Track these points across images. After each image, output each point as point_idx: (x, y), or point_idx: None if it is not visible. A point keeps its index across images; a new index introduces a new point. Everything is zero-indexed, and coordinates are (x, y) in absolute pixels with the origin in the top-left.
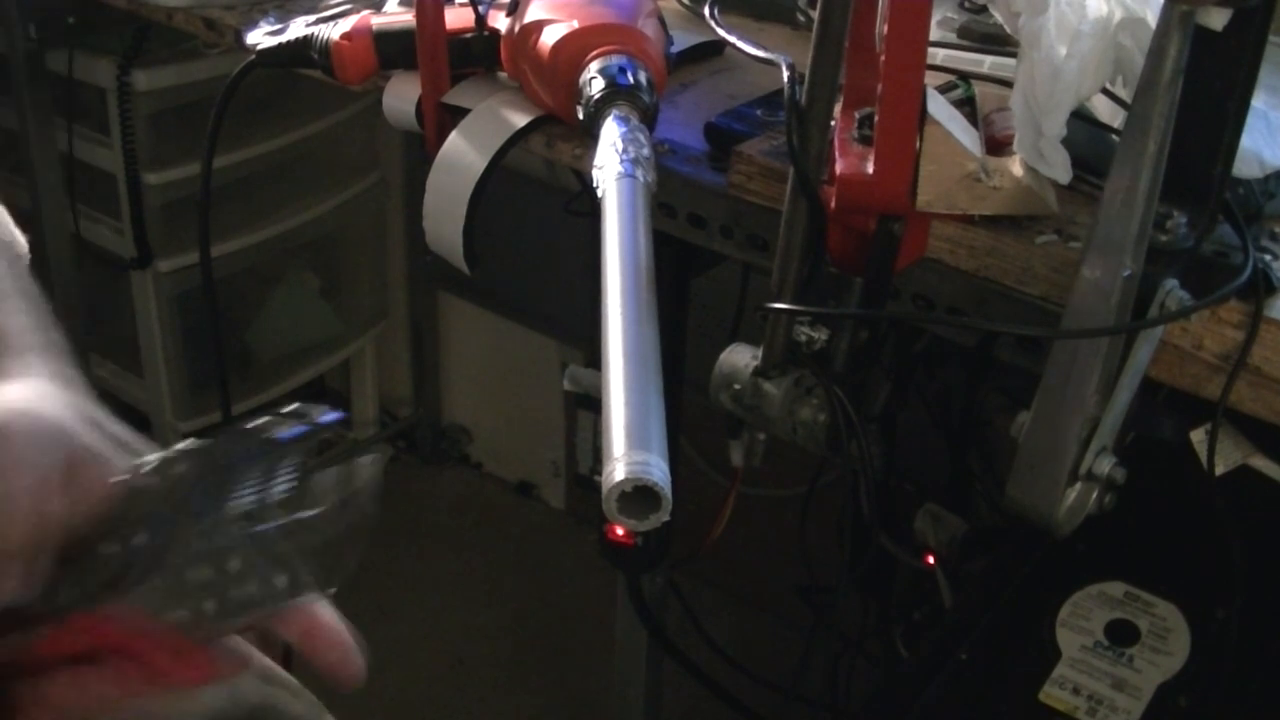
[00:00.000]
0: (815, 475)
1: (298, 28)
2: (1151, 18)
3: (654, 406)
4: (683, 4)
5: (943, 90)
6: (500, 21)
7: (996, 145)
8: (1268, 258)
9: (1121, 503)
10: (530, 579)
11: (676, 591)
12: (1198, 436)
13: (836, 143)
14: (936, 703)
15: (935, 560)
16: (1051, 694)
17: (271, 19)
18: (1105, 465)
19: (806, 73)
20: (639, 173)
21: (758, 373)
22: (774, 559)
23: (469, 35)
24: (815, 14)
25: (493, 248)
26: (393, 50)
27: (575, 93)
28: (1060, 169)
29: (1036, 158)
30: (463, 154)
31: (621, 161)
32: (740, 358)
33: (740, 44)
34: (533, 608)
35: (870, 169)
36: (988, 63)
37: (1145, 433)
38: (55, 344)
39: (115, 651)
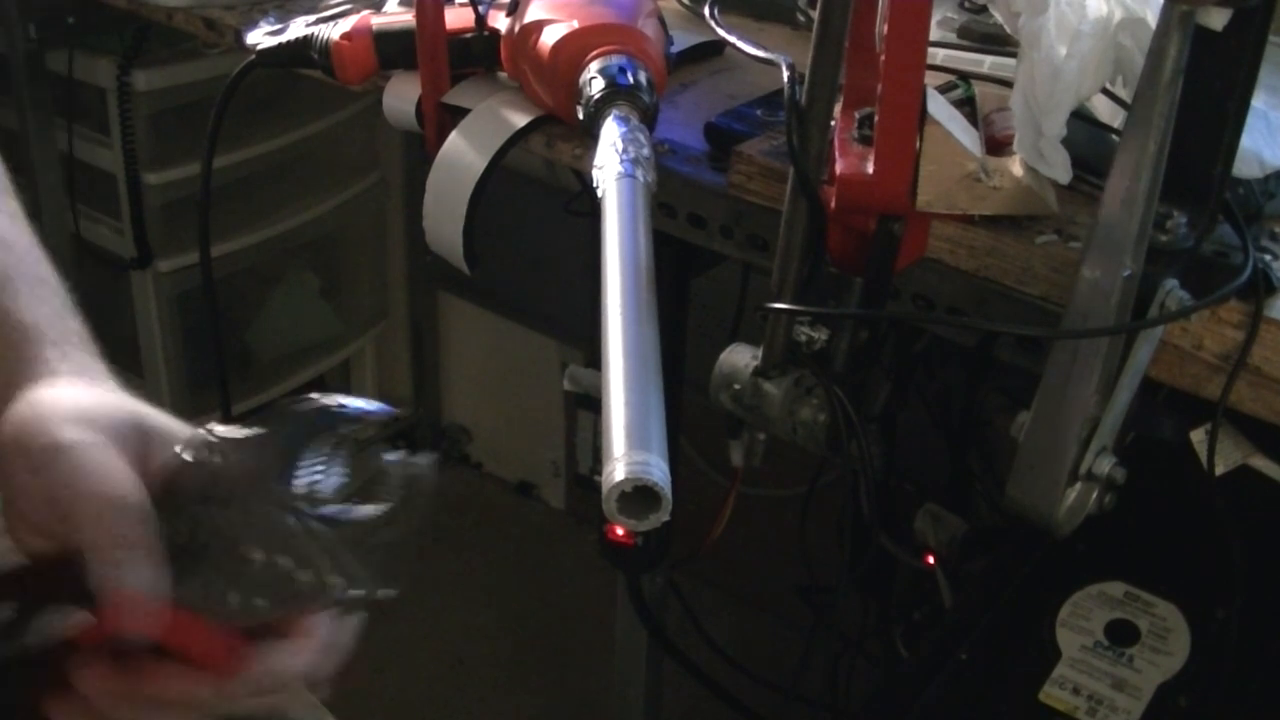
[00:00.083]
0: (815, 475)
1: (298, 28)
2: (1151, 18)
3: (654, 406)
4: (683, 4)
5: (943, 90)
6: (500, 21)
7: (996, 145)
8: (1268, 258)
9: (1121, 503)
10: (530, 579)
11: (676, 591)
12: (1198, 436)
13: (836, 143)
14: (936, 703)
15: (935, 560)
16: (1051, 694)
17: (271, 19)
18: (1105, 465)
19: (806, 73)
20: (639, 173)
21: (758, 373)
22: (774, 559)
23: (469, 35)
24: (815, 14)
25: (493, 248)
26: (393, 50)
27: (575, 93)
28: (1060, 169)
29: (1036, 158)
30: (463, 154)
31: (621, 161)
32: (740, 358)
33: (740, 44)
34: (533, 608)
35: (870, 169)
36: (988, 63)
37: (1145, 433)
38: (82, 333)
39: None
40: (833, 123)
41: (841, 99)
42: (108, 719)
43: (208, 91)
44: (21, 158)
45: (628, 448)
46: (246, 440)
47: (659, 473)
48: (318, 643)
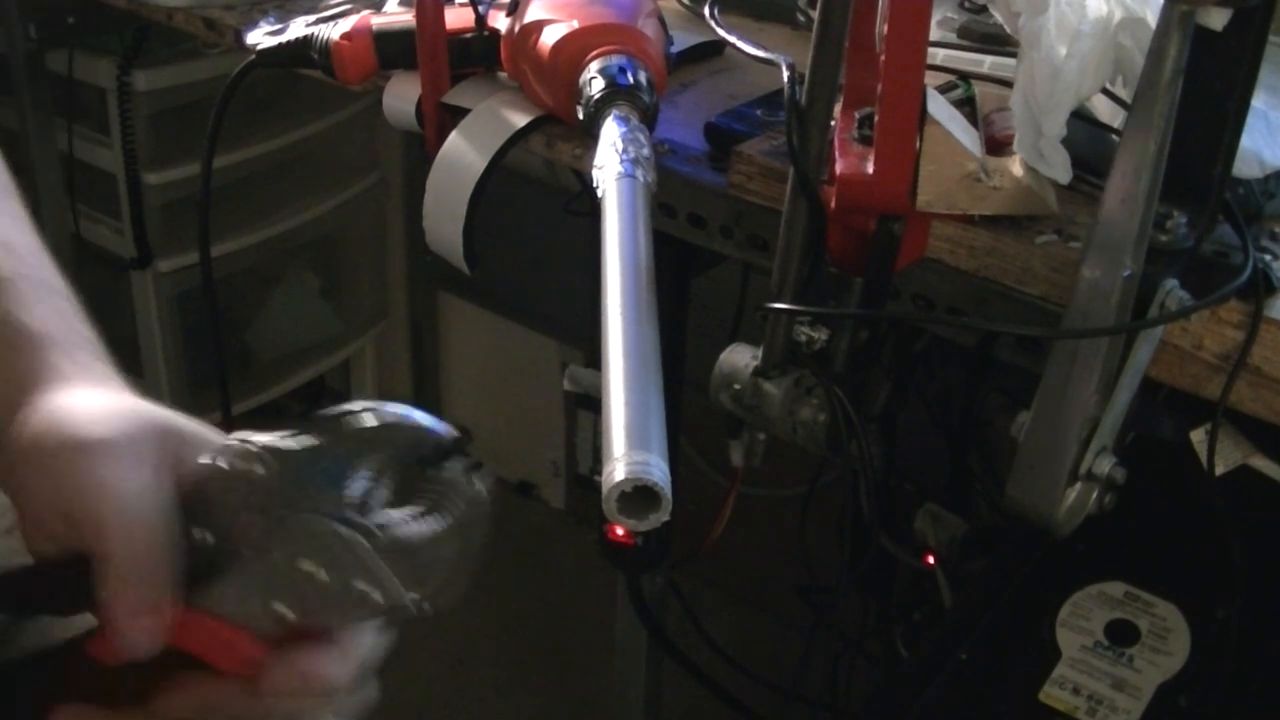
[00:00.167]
0: (815, 475)
1: (298, 28)
2: (1151, 18)
3: (654, 406)
4: (683, 4)
5: (943, 90)
6: (500, 21)
7: (996, 145)
8: (1268, 258)
9: (1121, 503)
10: (530, 579)
11: (676, 591)
12: (1198, 436)
13: (836, 143)
14: (936, 703)
15: (935, 560)
16: (1051, 694)
17: (271, 19)
18: (1105, 465)
19: (806, 73)
20: (639, 173)
21: (758, 373)
22: (774, 559)
23: (469, 35)
24: (815, 14)
25: (493, 248)
26: (393, 50)
27: (575, 93)
28: (1060, 169)
29: (1036, 158)
30: (463, 154)
31: (621, 161)
32: (740, 358)
33: (740, 44)
34: (533, 608)
35: (870, 169)
36: (988, 63)
37: (1145, 433)
38: (93, 339)
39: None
40: (833, 123)
41: (841, 99)
42: None
43: (208, 91)
44: (21, 158)
45: (628, 448)
46: (294, 451)
47: (659, 473)
48: (351, 653)
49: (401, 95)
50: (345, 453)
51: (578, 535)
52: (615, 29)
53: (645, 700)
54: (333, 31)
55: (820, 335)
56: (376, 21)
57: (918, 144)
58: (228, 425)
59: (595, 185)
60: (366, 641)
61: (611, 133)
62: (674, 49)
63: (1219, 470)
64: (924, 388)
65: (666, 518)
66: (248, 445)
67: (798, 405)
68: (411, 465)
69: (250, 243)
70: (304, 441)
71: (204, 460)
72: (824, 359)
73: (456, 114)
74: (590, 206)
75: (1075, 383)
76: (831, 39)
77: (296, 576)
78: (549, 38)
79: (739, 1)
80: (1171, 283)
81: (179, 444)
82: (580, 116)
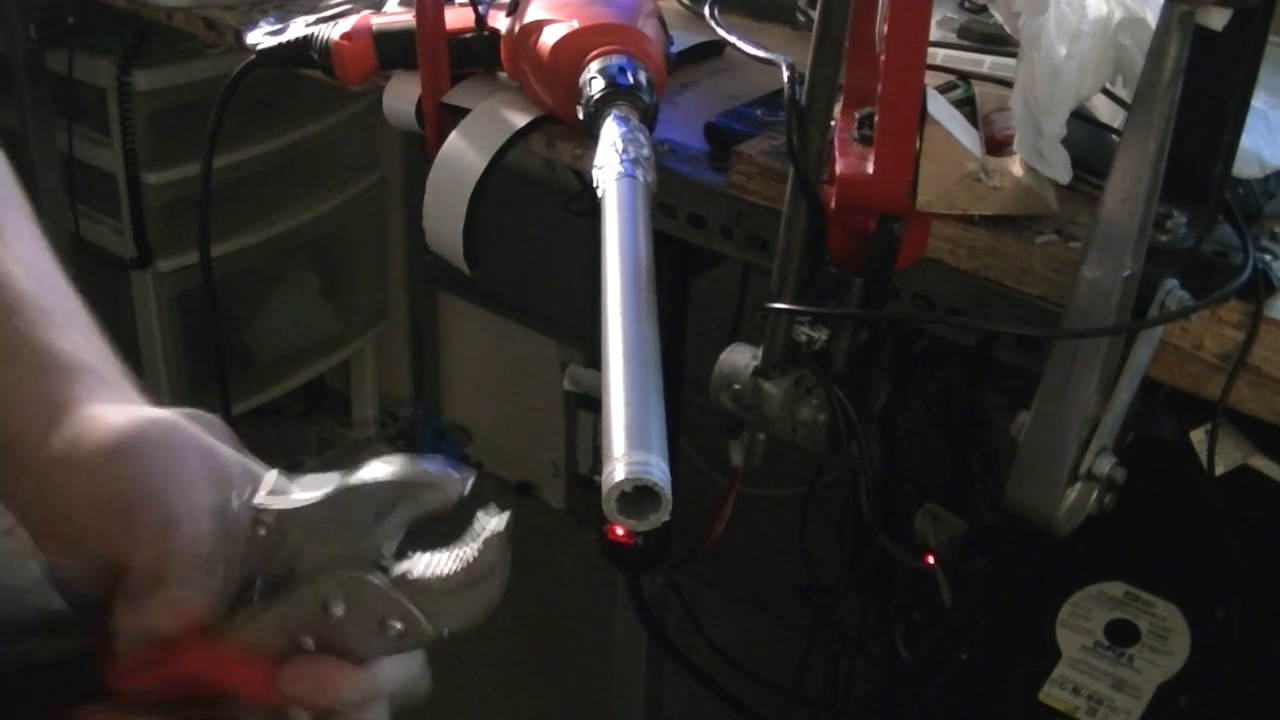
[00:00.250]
0: (815, 475)
1: (298, 28)
2: (1151, 18)
3: (654, 406)
4: (683, 4)
5: (943, 90)
6: (500, 21)
7: (996, 145)
8: (1268, 258)
9: (1121, 503)
10: (530, 579)
11: (676, 591)
12: (1198, 436)
13: (836, 143)
14: (936, 703)
15: (935, 560)
16: (1051, 694)
17: (271, 19)
18: (1105, 465)
19: (806, 73)
20: (639, 173)
21: (758, 373)
22: (774, 559)
23: (469, 35)
24: (815, 14)
25: (493, 248)
26: (393, 50)
27: (575, 93)
28: (1060, 169)
29: (1036, 158)
30: (463, 154)
31: (621, 161)
32: (740, 358)
33: (740, 44)
34: (533, 608)
35: (870, 169)
36: (988, 63)
37: (1145, 433)
38: (119, 365)
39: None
40: (833, 123)
41: (841, 99)
42: None
43: (208, 91)
44: (21, 158)
45: (628, 448)
46: (320, 502)
47: (659, 473)
48: (372, 674)
49: (401, 95)
50: (367, 500)
51: (578, 535)
52: (615, 29)
53: (645, 700)
54: (333, 31)
55: (820, 335)
56: (376, 21)
57: (918, 144)
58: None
59: (595, 185)
60: (393, 671)
61: (611, 133)
62: (674, 49)
63: (1219, 470)
64: (924, 388)
65: (666, 518)
66: (282, 501)
67: (798, 405)
68: (430, 507)
69: (250, 243)
70: (330, 490)
71: (244, 502)
72: (824, 359)
73: (456, 114)
74: (590, 206)
75: (1075, 383)
76: (831, 39)
77: (324, 617)
78: (549, 38)
79: (739, 1)
80: (1171, 283)
81: (224, 466)
82: (580, 116)
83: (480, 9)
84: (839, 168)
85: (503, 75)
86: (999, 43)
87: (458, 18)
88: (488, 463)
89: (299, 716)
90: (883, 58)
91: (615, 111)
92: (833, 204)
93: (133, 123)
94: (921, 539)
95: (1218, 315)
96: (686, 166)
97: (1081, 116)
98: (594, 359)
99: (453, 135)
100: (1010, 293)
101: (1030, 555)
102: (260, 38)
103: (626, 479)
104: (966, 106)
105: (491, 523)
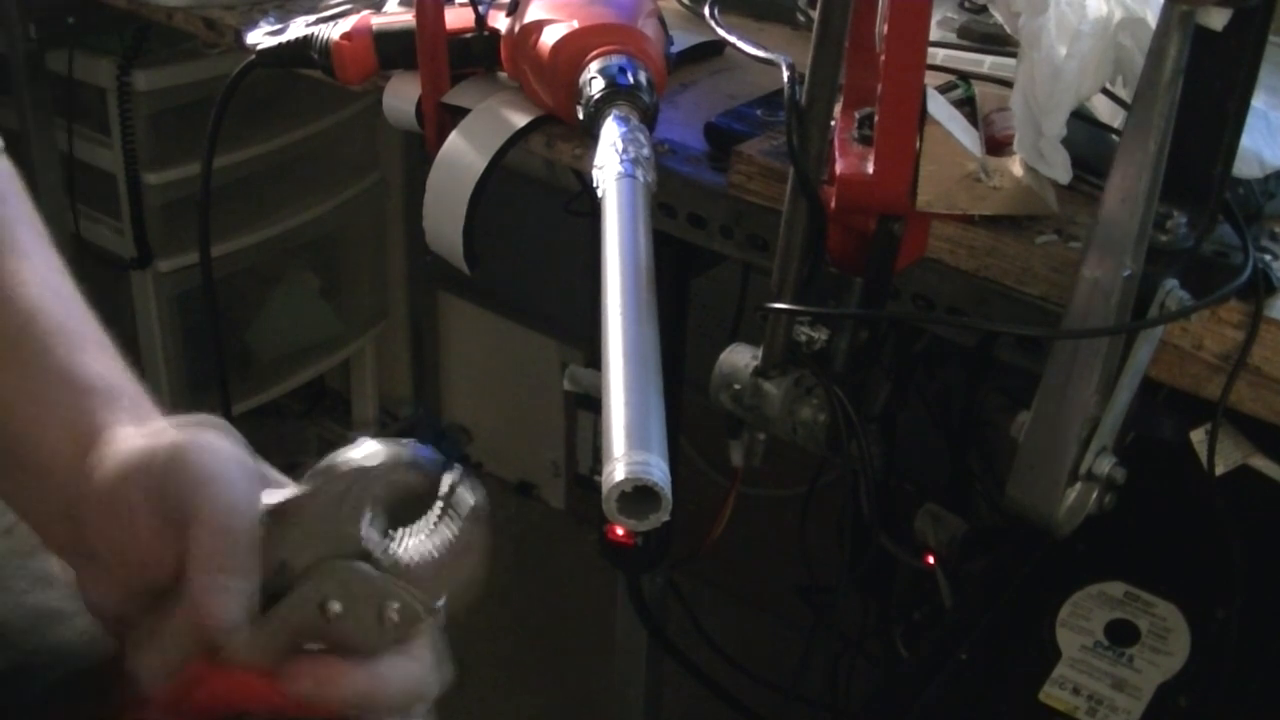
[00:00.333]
0: (815, 475)
1: (298, 28)
2: (1151, 18)
3: (654, 406)
4: (683, 4)
5: (943, 90)
6: (500, 21)
7: (996, 145)
8: (1268, 258)
9: (1121, 503)
10: (530, 579)
11: (676, 591)
12: (1198, 436)
13: (836, 143)
14: (936, 703)
15: (935, 560)
16: (1051, 694)
17: (271, 19)
18: (1105, 465)
19: (806, 73)
20: (639, 173)
21: (758, 373)
22: (774, 559)
23: (469, 35)
24: (815, 14)
25: (493, 248)
26: (393, 50)
27: (575, 93)
28: (1060, 169)
29: (1036, 158)
30: (463, 154)
31: (621, 161)
32: (740, 358)
33: (740, 44)
34: (533, 608)
35: (870, 169)
36: (988, 63)
37: (1145, 433)
38: (143, 391)
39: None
40: (833, 123)
41: (841, 99)
42: None
43: (208, 91)
44: (22, 158)
45: (628, 448)
46: (305, 498)
47: (659, 473)
48: (380, 672)
49: (401, 95)
50: (347, 492)
51: (578, 535)
52: (615, 29)
53: (645, 700)
54: (333, 31)
55: (820, 335)
56: (376, 21)
57: (918, 144)
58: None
59: (595, 185)
60: (399, 670)
61: (611, 133)
62: (674, 49)
63: (1219, 470)
64: (924, 388)
65: (666, 518)
66: (269, 497)
67: (798, 405)
68: (409, 489)
69: (250, 243)
70: (310, 489)
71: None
72: (824, 359)
73: (456, 114)
74: (590, 206)
75: (1075, 383)
76: (831, 39)
77: (323, 617)
78: (549, 38)
79: (739, 1)
80: (1171, 283)
81: (262, 477)
82: (580, 116)
83: (480, 9)
84: (839, 168)
85: (503, 75)
86: (999, 43)
87: (458, 18)
88: (488, 463)
89: None
90: (883, 58)
91: (615, 111)
92: (833, 204)
93: (133, 123)
94: (921, 539)
95: (1218, 315)
96: (686, 166)
97: (1081, 116)
98: (594, 359)
99: (453, 135)
100: (1010, 293)
101: (1030, 555)
102: (260, 38)
103: (626, 479)
104: (966, 106)
105: (464, 495)
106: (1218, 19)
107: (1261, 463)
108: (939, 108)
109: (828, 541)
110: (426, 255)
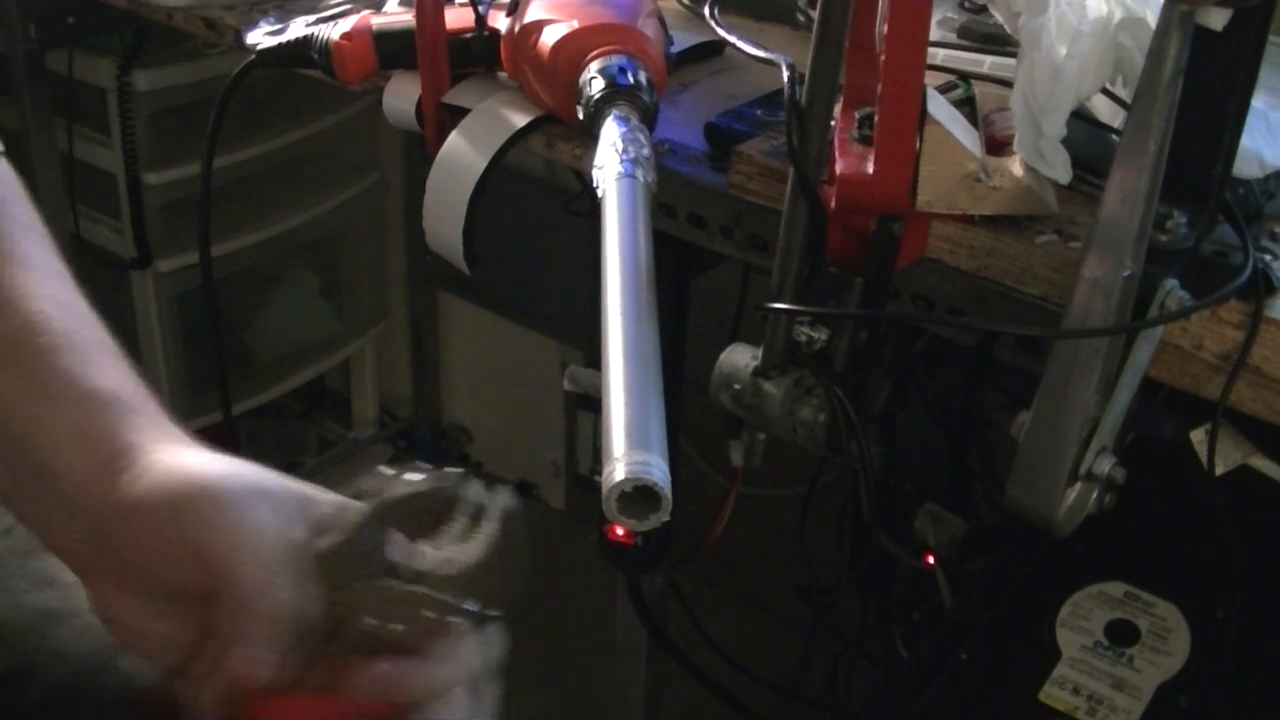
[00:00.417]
0: (815, 475)
1: (298, 28)
2: (1151, 18)
3: (654, 406)
4: (683, 4)
5: (943, 90)
6: (500, 21)
7: (996, 145)
8: (1268, 258)
9: (1121, 503)
10: (530, 579)
11: (676, 591)
12: (1198, 436)
13: (836, 143)
14: (936, 703)
15: (935, 560)
16: (1051, 694)
17: (271, 19)
18: (1105, 465)
19: (806, 73)
20: (639, 173)
21: (758, 373)
22: (774, 559)
23: (469, 35)
24: (815, 14)
25: (493, 248)
26: (393, 50)
27: (575, 93)
28: (1060, 169)
29: (1036, 158)
30: (463, 154)
31: (621, 161)
32: (740, 358)
33: (740, 44)
34: (533, 608)
35: (870, 169)
36: (988, 63)
37: (1145, 433)
38: (157, 402)
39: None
40: (833, 123)
41: (841, 99)
42: None
43: (208, 91)
44: (22, 158)
45: (628, 448)
46: (346, 525)
47: (659, 473)
48: (439, 663)
49: (401, 95)
50: (378, 514)
51: (578, 535)
52: (615, 29)
53: (645, 700)
54: (333, 31)
55: (820, 335)
56: (376, 21)
57: (918, 144)
58: (228, 425)
59: (595, 185)
60: (461, 653)
61: (611, 133)
62: (674, 49)
63: (1219, 470)
64: (924, 388)
65: (666, 518)
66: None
67: (798, 405)
68: (433, 506)
69: (250, 243)
70: (342, 525)
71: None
72: (824, 359)
73: (456, 114)
74: (590, 206)
75: (1075, 383)
76: (831, 39)
77: (364, 634)
78: (549, 38)
79: (739, 1)
80: (1171, 283)
81: (303, 504)
82: (580, 116)
83: (480, 9)
84: (839, 168)
85: (503, 75)
86: (999, 43)
87: (458, 18)
88: (488, 463)
89: None
90: (883, 58)
91: (615, 111)
92: (833, 204)
93: (133, 123)
94: (921, 539)
95: (1218, 315)
96: (686, 166)
97: (1081, 116)
98: (594, 359)
99: (453, 135)
100: (1010, 293)
101: (1030, 555)
102: (260, 38)
103: (627, 479)
104: (966, 106)
105: (491, 501)
106: (1218, 19)
107: (1261, 463)
108: (939, 108)
109: (828, 541)
110: (426, 255)
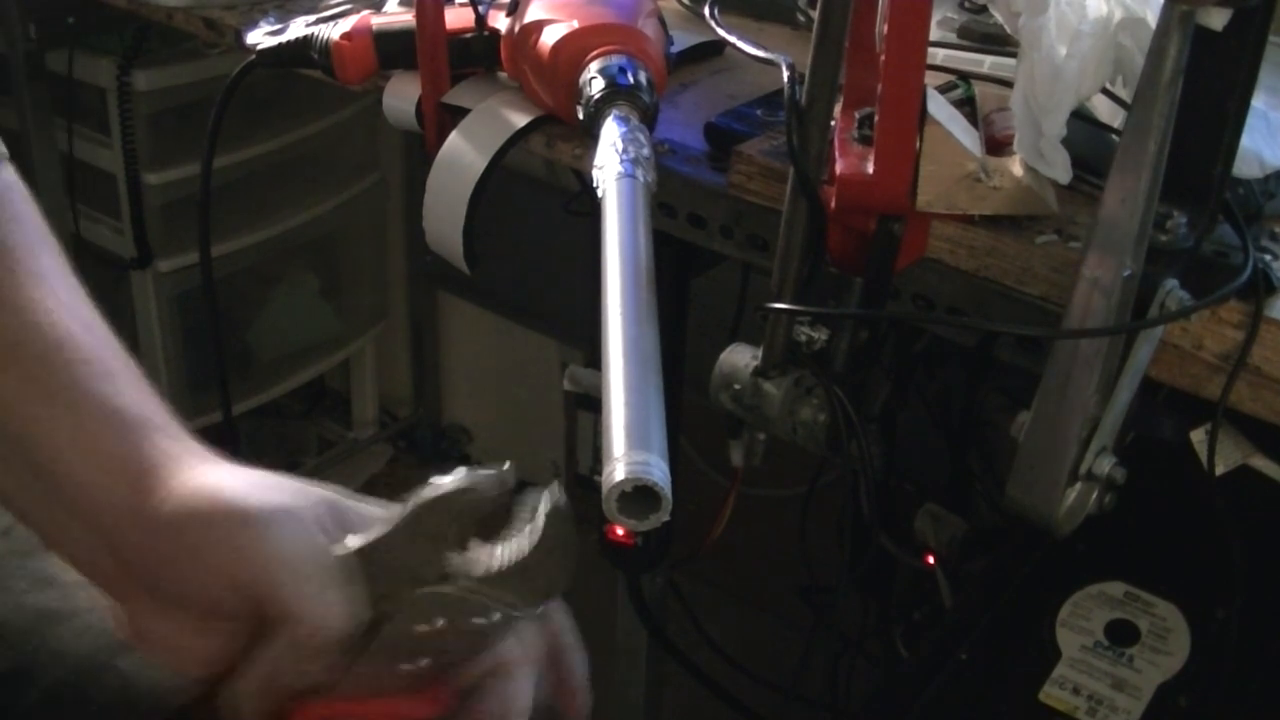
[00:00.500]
0: (815, 475)
1: (298, 28)
2: (1151, 18)
3: (654, 406)
4: (683, 4)
5: (943, 90)
6: (500, 21)
7: (996, 145)
8: (1268, 258)
9: (1121, 503)
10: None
11: (676, 591)
12: (1198, 436)
13: (836, 143)
14: (936, 703)
15: (935, 560)
16: (1051, 694)
17: (271, 19)
18: (1105, 465)
19: (806, 73)
20: (639, 173)
21: (758, 373)
22: (774, 559)
23: (469, 35)
24: (815, 14)
25: (493, 248)
26: (393, 50)
27: (575, 93)
28: (1060, 169)
29: (1036, 158)
30: (463, 154)
31: (621, 161)
32: (740, 358)
33: (740, 44)
34: None
35: (870, 169)
36: (988, 63)
37: (1145, 433)
38: (177, 420)
39: None
40: (833, 123)
41: (841, 99)
42: None
43: (208, 91)
44: (22, 158)
45: (628, 448)
46: (390, 534)
47: (659, 473)
48: (522, 673)
49: (401, 95)
50: (421, 524)
51: (578, 535)
52: (615, 29)
53: (645, 700)
54: (333, 31)
55: (820, 335)
56: (376, 21)
57: (918, 144)
58: (228, 425)
59: (595, 185)
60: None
61: (611, 133)
62: (674, 49)
63: (1219, 470)
64: (924, 388)
65: (666, 518)
66: (359, 539)
67: (798, 405)
68: (482, 508)
69: (250, 243)
70: (391, 528)
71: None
72: (824, 359)
73: (456, 114)
74: (590, 206)
75: (1075, 383)
76: (831, 39)
77: (414, 639)
78: (549, 38)
79: (739, 1)
80: (1171, 283)
81: (342, 516)
82: (580, 116)
83: (480, 9)
84: (839, 168)
85: (503, 75)
86: (999, 43)
87: (458, 18)
88: (488, 463)
89: None
90: (883, 58)
91: (615, 111)
92: (833, 204)
93: (133, 123)
94: (921, 539)
95: (1218, 315)
96: (686, 166)
97: (1081, 116)
98: (594, 359)
99: (453, 135)
100: (1010, 293)
101: (1030, 555)
102: (260, 38)
103: (626, 479)
104: (966, 106)
105: (545, 498)
106: (1218, 19)
107: (1261, 463)
108: (939, 108)
109: (828, 541)
110: (426, 255)
